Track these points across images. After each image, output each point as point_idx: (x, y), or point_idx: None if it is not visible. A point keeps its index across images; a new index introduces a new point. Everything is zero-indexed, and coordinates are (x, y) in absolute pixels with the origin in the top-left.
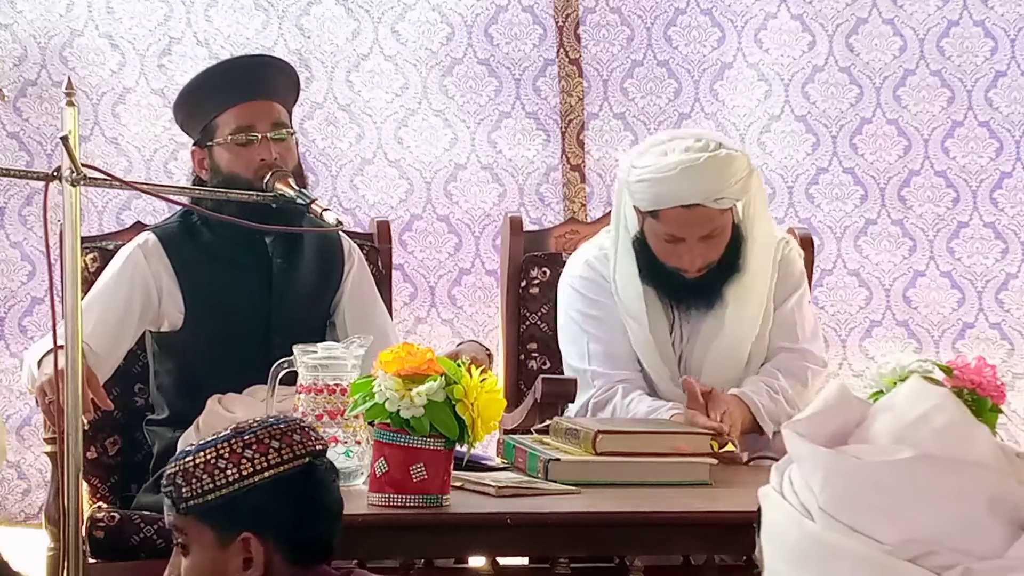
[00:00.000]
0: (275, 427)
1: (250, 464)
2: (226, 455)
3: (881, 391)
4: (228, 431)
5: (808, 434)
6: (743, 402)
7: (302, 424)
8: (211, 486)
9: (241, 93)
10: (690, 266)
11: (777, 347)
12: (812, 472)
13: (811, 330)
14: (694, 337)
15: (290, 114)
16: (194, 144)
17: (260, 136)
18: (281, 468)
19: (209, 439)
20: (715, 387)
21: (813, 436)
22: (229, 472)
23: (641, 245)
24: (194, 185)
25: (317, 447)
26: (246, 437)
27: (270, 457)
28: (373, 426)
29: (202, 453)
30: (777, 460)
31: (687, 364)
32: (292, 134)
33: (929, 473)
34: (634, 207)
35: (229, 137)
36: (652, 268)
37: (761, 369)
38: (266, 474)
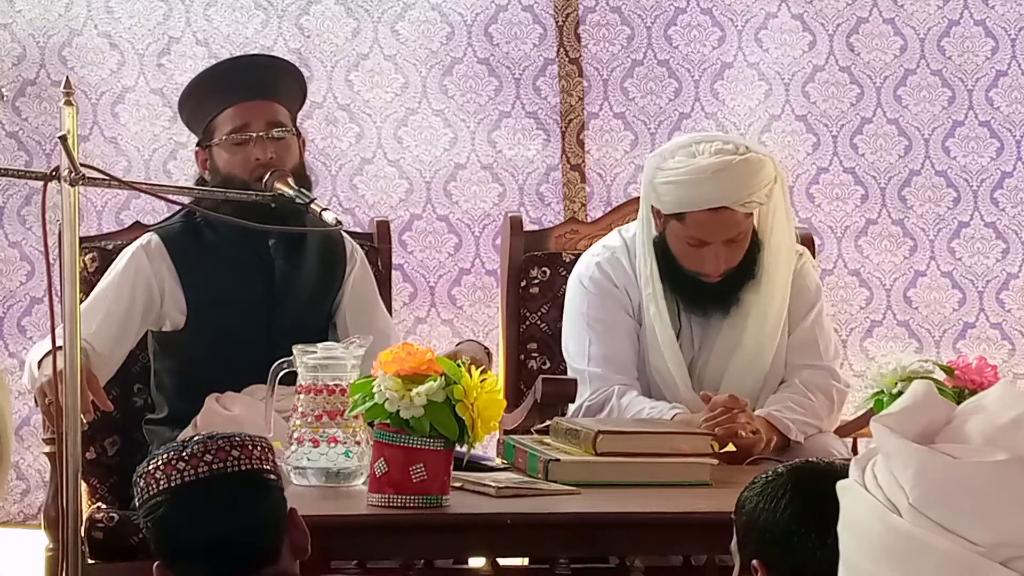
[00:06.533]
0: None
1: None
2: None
3: (882, 391)
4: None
5: (898, 429)
6: (768, 422)
7: (167, 458)
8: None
9: (238, 93)
10: (713, 271)
11: (800, 364)
12: (903, 468)
13: (833, 349)
14: (708, 345)
15: (295, 116)
16: (197, 145)
17: (255, 135)
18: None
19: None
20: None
21: (902, 431)
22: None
23: (661, 249)
24: (198, 186)
25: (175, 483)
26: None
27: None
28: (373, 426)
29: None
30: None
31: (703, 373)
32: (291, 133)
33: None
34: (653, 209)
35: (225, 137)
36: (670, 272)
37: (788, 384)
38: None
